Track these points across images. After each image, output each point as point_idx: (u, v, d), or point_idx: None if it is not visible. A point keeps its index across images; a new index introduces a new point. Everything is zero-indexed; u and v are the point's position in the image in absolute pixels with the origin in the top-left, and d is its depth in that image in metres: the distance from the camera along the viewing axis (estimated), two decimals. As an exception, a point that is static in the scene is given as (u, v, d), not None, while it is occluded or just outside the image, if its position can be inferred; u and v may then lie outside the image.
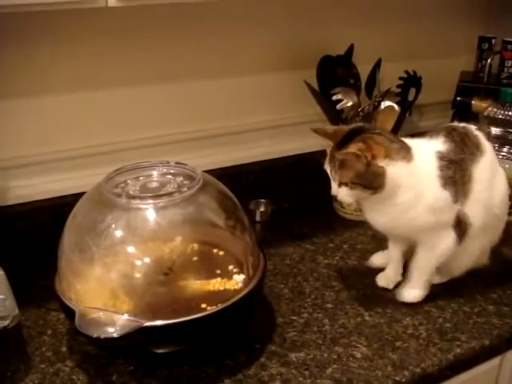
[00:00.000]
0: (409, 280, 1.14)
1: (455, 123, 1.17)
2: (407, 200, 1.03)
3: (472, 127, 1.14)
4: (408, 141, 1.06)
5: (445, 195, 1.04)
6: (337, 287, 1.18)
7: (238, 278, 0.96)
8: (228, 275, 0.97)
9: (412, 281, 1.14)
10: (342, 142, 1.02)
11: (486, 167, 1.10)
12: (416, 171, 1.02)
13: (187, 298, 0.91)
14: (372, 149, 0.99)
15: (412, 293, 1.13)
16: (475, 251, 1.15)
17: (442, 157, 1.06)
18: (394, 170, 1.00)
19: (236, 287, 0.95)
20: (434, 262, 1.12)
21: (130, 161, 1.07)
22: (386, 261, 1.21)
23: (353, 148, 0.98)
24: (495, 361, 1.10)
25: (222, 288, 0.94)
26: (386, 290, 1.16)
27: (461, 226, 1.08)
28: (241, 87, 1.51)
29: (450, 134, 1.10)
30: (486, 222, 1.11)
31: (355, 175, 1.00)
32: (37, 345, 1.01)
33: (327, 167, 1.05)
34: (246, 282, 0.96)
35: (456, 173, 1.06)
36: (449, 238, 1.08)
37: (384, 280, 1.18)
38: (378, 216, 1.09)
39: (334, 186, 1.05)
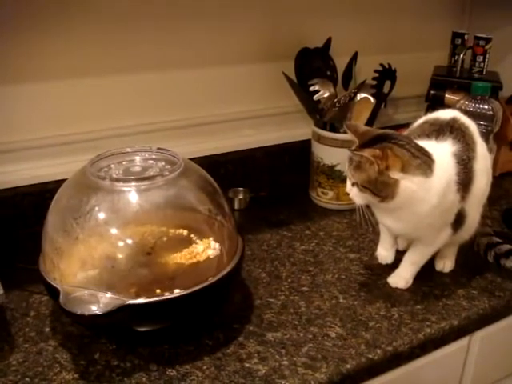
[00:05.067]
0: (400, 267, 1.17)
1: (440, 113, 1.15)
2: (425, 210, 1.02)
3: (459, 116, 1.13)
4: (427, 146, 1.03)
5: (457, 198, 1.06)
6: (312, 272, 1.21)
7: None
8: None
9: (403, 269, 1.16)
10: (366, 144, 1.02)
11: (481, 156, 1.11)
12: (437, 185, 1.01)
13: (169, 277, 0.94)
14: (388, 159, 0.97)
15: (402, 280, 1.16)
16: (467, 234, 1.18)
17: (458, 161, 1.06)
18: (409, 184, 0.99)
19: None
20: (428, 255, 1.15)
21: (112, 148, 1.08)
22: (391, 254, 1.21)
23: (367, 152, 0.98)
24: (464, 341, 1.14)
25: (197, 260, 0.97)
26: (359, 274, 1.20)
27: (459, 221, 1.10)
28: (221, 78, 1.53)
29: (451, 132, 1.09)
30: (480, 205, 1.15)
31: (366, 180, 1.00)
32: (20, 326, 1.03)
33: (347, 164, 1.05)
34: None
35: (465, 174, 1.07)
36: (445, 233, 1.11)
37: (382, 257, 1.21)
38: (395, 222, 1.08)
39: (348, 183, 1.05)
